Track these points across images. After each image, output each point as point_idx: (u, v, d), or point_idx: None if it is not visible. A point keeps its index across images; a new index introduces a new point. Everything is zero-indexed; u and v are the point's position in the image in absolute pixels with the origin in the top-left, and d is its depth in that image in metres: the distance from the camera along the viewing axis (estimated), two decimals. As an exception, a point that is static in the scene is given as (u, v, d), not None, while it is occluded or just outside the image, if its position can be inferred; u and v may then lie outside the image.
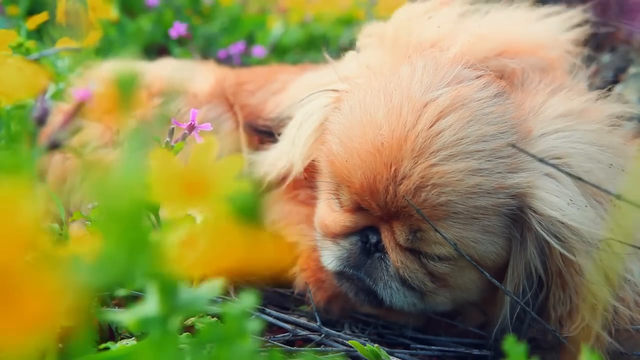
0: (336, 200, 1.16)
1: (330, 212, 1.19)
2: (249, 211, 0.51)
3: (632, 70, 1.63)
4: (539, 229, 1.01)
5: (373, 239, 1.11)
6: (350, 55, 1.33)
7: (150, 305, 0.58)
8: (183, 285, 0.59)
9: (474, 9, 1.29)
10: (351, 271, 1.15)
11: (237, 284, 1.14)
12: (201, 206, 0.56)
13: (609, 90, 1.19)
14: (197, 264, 0.51)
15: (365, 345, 1.02)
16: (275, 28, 2.90)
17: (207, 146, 0.59)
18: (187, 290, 0.60)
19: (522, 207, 1.02)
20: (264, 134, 1.40)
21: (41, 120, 0.72)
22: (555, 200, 1.01)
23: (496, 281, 1.06)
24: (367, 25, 1.32)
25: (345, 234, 1.15)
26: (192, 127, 0.94)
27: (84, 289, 0.40)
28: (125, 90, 0.60)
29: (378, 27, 1.28)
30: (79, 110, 0.72)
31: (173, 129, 0.93)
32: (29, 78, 0.71)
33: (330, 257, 1.17)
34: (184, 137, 0.93)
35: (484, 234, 1.03)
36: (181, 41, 2.38)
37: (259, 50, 2.59)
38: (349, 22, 3.23)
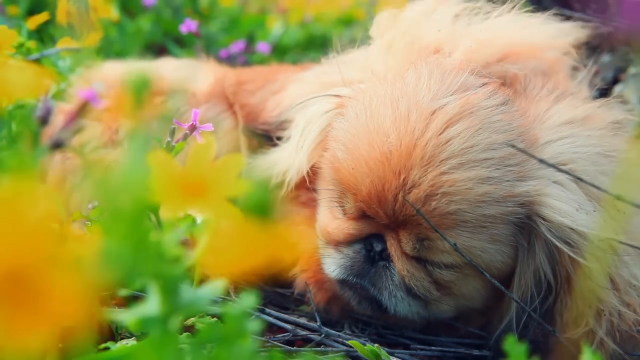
0: (339, 208, 1.15)
1: (332, 220, 1.17)
2: (262, 207, 0.51)
3: (632, 70, 1.63)
4: (549, 235, 1.01)
5: (378, 247, 1.10)
6: (351, 55, 1.32)
7: (151, 305, 0.58)
8: (184, 285, 0.59)
9: (470, 9, 1.28)
10: (355, 280, 1.13)
11: (239, 284, 1.14)
12: (201, 207, 0.56)
13: (609, 90, 1.19)
14: (209, 264, 0.51)
15: (365, 345, 1.01)
16: (275, 28, 2.90)
17: (204, 147, 0.59)
18: (188, 290, 0.60)
19: (531, 215, 1.02)
20: (262, 138, 1.39)
21: (44, 120, 0.72)
22: (564, 207, 1.01)
23: (505, 289, 1.06)
24: (371, 25, 1.31)
25: (349, 241, 1.13)
26: (193, 127, 0.94)
27: (88, 288, 0.40)
28: (138, 93, 0.60)
29: (379, 30, 1.27)
30: (82, 110, 0.73)
31: (174, 128, 0.93)
32: (31, 78, 0.71)
33: (333, 265, 1.15)
34: (184, 137, 0.93)
35: (491, 243, 1.03)
36: (183, 41, 2.37)
37: (263, 47, 2.56)
38: (349, 22, 3.23)
